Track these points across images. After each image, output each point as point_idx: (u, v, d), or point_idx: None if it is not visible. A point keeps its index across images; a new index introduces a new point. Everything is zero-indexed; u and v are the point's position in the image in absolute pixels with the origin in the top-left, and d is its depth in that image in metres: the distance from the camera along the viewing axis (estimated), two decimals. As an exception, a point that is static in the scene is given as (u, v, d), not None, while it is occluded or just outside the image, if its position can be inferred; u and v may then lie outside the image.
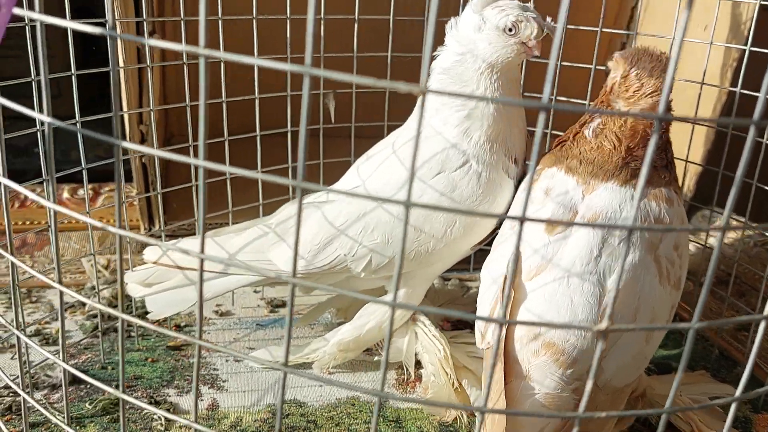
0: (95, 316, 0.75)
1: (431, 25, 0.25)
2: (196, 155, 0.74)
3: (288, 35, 0.73)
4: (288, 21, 0.73)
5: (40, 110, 0.37)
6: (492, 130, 0.62)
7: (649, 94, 0.55)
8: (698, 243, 0.80)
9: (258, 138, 0.75)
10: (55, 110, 0.61)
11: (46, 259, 0.86)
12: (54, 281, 0.38)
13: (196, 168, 0.73)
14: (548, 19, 0.61)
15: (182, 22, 0.67)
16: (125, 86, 0.73)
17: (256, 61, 0.28)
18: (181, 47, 0.28)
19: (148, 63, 0.66)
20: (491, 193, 0.62)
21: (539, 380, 0.52)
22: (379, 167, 0.66)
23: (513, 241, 0.56)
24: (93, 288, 0.80)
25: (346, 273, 0.66)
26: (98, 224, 0.34)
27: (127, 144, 0.30)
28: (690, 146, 0.76)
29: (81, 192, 0.96)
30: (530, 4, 0.63)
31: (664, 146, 0.57)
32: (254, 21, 0.72)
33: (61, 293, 0.39)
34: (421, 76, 0.27)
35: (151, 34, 0.73)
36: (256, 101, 0.74)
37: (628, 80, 0.56)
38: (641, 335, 0.53)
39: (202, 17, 0.27)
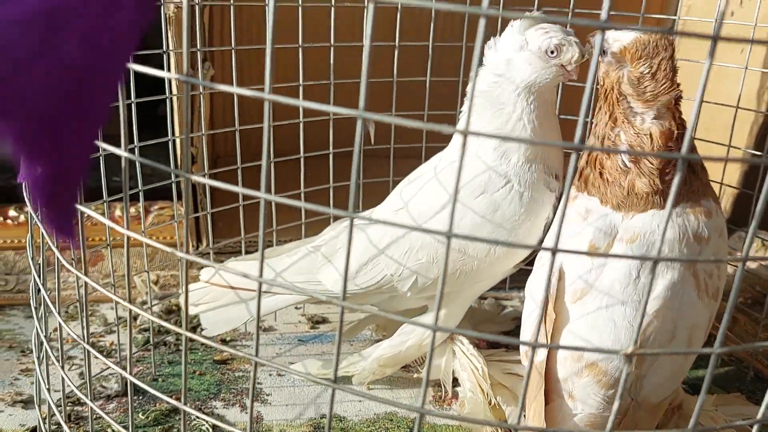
0: (146, 330, 0.79)
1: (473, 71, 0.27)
2: (243, 178, 0.77)
3: (332, 61, 0.77)
4: (332, 49, 0.76)
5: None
6: (530, 152, 0.63)
7: (667, 90, 0.54)
8: (733, 264, 0.81)
9: (302, 161, 0.78)
10: (108, 130, 0.66)
11: (99, 274, 0.90)
12: (123, 299, 0.41)
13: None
14: (588, 44, 0.62)
15: (232, 51, 0.71)
16: (177, 111, 0.77)
17: (309, 104, 0.31)
18: (247, 92, 0.31)
19: (200, 90, 0.69)
20: (533, 212, 0.63)
21: (582, 400, 0.54)
22: (421, 191, 0.68)
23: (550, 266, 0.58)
24: (144, 303, 0.83)
25: (392, 292, 0.68)
26: (168, 249, 0.37)
27: (192, 176, 0.33)
28: (725, 169, 0.77)
29: (133, 210, 1.01)
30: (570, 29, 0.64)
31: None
32: (300, 49, 0.75)
33: (130, 311, 0.42)
34: (461, 121, 0.29)
35: (203, 62, 0.77)
36: (301, 125, 0.77)
37: (642, 81, 0.54)
38: (681, 349, 0.54)
39: (268, 66, 0.30)
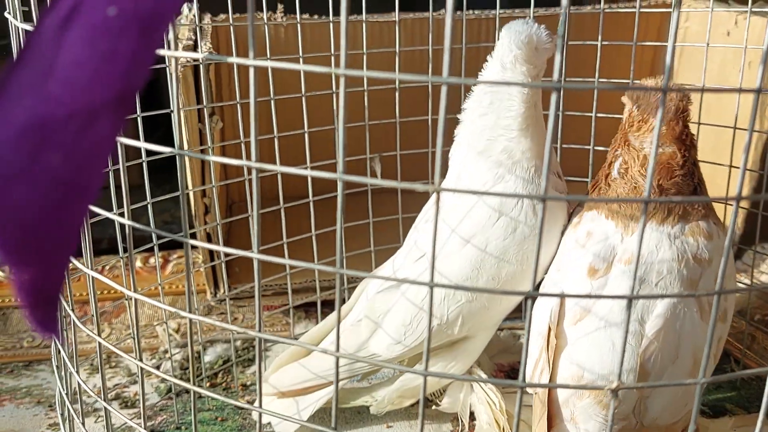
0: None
1: (440, 121, 0.29)
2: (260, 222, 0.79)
3: (335, 107, 0.79)
4: (334, 96, 0.79)
5: (119, 207, 0.42)
6: (535, 148, 0.64)
7: (653, 127, 0.57)
8: (744, 282, 0.81)
9: (311, 204, 0.80)
10: (135, 181, 0.69)
11: (123, 325, 0.92)
12: (134, 357, 0.43)
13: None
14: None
15: (238, 105, 0.74)
16: (189, 164, 0.80)
17: (309, 173, 0.33)
18: (240, 162, 0.33)
19: (210, 156, 0.72)
20: (547, 223, 0.64)
21: (584, 423, 0.54)
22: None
23: (554, 290, 0.59)
24: (166, 351, 0.85)
25: (444, 339, 0.68)
26: (171, 309, 0.39)
27: (194, 242, 0.35)
28: (728, 189, 0.77)
29: (152, 261, 1.03)
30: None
31: (690, 174, 0.58)
32: (303, 98, 0.78)
33: (141, 369, 0.44)
34: (435, 176, 0.31)
35: (210, 116, 0.80)
36: (308, 175, 0.80)
37: (632, 116, 0.59)
38: (686, 371, 0.54)
39: (253, 136, 0.32)
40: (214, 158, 0.34)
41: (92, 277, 0.47)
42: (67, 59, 0.21)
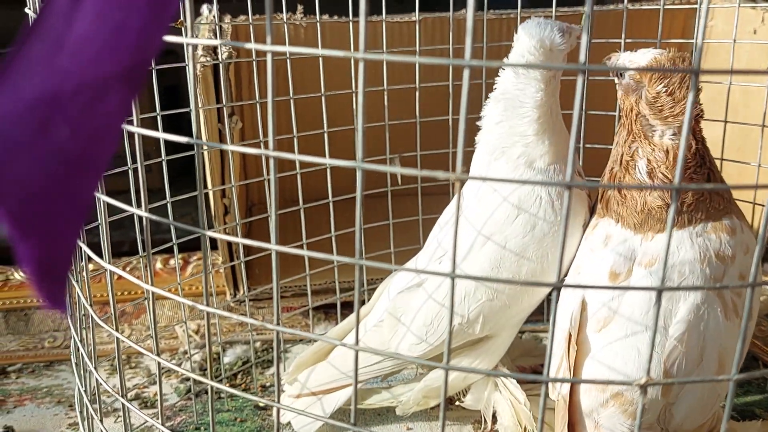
0: (188, 379, 0.80)
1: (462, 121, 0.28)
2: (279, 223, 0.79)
3: (354, 107, 0.79)
4: (354, 95, 0.78)
5: (138, 204, 0.42)
6: (552, 151, 0.63)
7: (683, 111, 0.53)
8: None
9: (330, 204, 0.80)
10: (147, 183, 0.68)
11: (143, 326, 0.92)
12: (152, 353, 0.43)
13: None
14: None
15: (257, 104, 0.73)
16: (209, 164, 0.80)
17: (327, 161, 0.32)
18: (258, 151, 0.32)
19: (228, 145, 0.72)
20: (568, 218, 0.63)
21: (609, 431, 0.53)
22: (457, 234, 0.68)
23: (576, 296, 0.58)
24: (185, 352, 0.85)
25: (466, 338, 0.68)
26: (189, 302, 0.38)
27: (212, 233, 0.35)
28: (756, 190, 0.75)
29: (172, 262, 1.04)
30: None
31: (701, 163, 0.56)
32: (323, 98, 0.77)
33: (159, 364, 0.43)
34: (457, 163, 0.30)
35: (230, 117, 0.80)
36: (328, 170, 0.79)
37: (659, 99, 0.54)
38: (709, 374, 0.53)
39: (270, 123, 0.31)
40: (231, 147, 0.34)
41: (110, 272, 0.47)
42: (77, 32, 0.20)
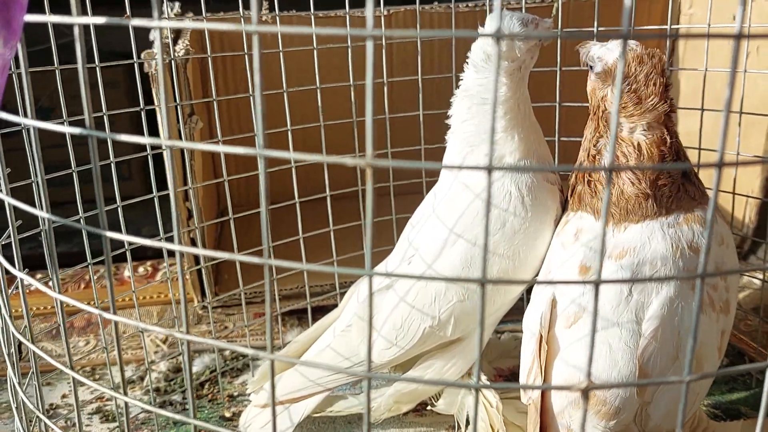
0: (156, 389, 0.77)
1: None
2: (251, 224, 0.76)
3: (320, 104, 0.76)
4: (319, 91, 0.76)
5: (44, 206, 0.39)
6: (523, 146, 0.61)
7: (652, 106, 0.52)
8: (758, 279, 0.76)
9: (297, 205, 0.77)
10: (125, 191, 0.66)
11: (109, 337, 0.89)
12: (67, 367, 0.39)
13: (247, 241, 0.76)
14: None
15: (214, 102, 0.70)
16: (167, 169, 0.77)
17: (302, 156, 0.28)
18: (240, 150, 0.29)
19: (220, 146, 0.69)
20: (537, 213, 0.61)
21: (581, 435, 0.50)
22: (428, 233, 0.66)
23: (546, 294, 0.55)
24: (152, 362, 0.82)
25: (437, 341, 0.65)
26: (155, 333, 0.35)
27: (172, 246, 0.31)
28: (735, 178, 0.73)
29: (141, 269, 1.01)
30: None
31: (677, 157, 0.54)
32: (285, 94, 0.74)
33: (74, 378, 0.40)
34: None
35: (190, 116, 0.77)
36: (292, 170, 0.76)
37: (624, 96, 0.52)
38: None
39: (259, 120, 0.28)
40: (223, 148, 0.29)
41: (22, 281, 0.43)
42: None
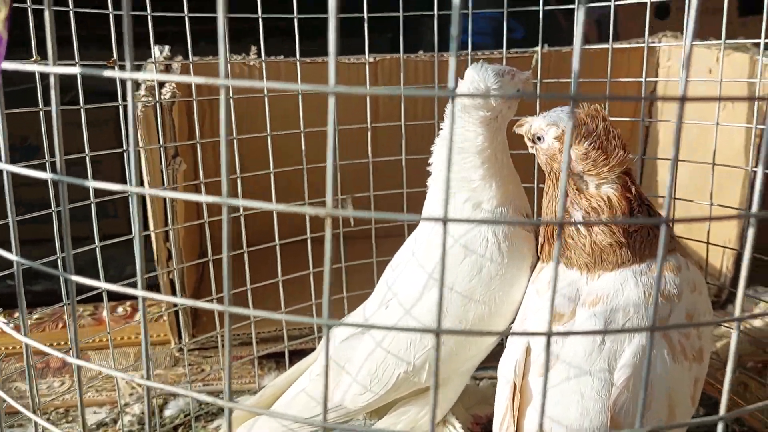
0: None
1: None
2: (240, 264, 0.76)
3: (303, 148, 0.77)
4: (302, 135, 0.76)
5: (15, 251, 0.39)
6: (500, 194, 0.62)
7: (619, 159, 0.53)
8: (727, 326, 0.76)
9: (278, 247, 0.77)
10: (111, 229, 0.66)
11: (84, 377, 0.88)
12: (29, 410, 0.39)
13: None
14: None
15: (198, 145, 0.71)
16: (151, 206, 0.77)
17: (275, 207, 0.29)
18: (207, 198, 0.29)
19: (167, 184, 0.69)
20: (514, 260, 0.61)
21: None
22: (406, 277, 0.66)
23: (521, 342, 0.55)
24: (126, 404, 0.81)
25: (412, 387, 0.64)
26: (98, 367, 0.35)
27: (147, 294, 0.31)
28: (709, 229, 0.73)
29: (120, 310, 1.00)
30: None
31: (647, 210, 0.55)
32: (269, 137, 0.75)
33: (35, 423, 0.39)
34: (327, 197, 0.28)
35: (174, 158, 0.77)
36: (274, 214, 0.77)
37: (589, 155, 0.54)
38: (661, 419, 0.50)
39: (223, 168, 0.28)
40: (171, 194, 0.31)
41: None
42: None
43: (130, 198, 0.30)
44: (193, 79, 0.27)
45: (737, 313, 0.28)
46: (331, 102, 0.26)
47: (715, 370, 0.80)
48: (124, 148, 0.67)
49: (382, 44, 1.00)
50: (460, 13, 0.24)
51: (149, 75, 0.25)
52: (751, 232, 0.26)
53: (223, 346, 0.80)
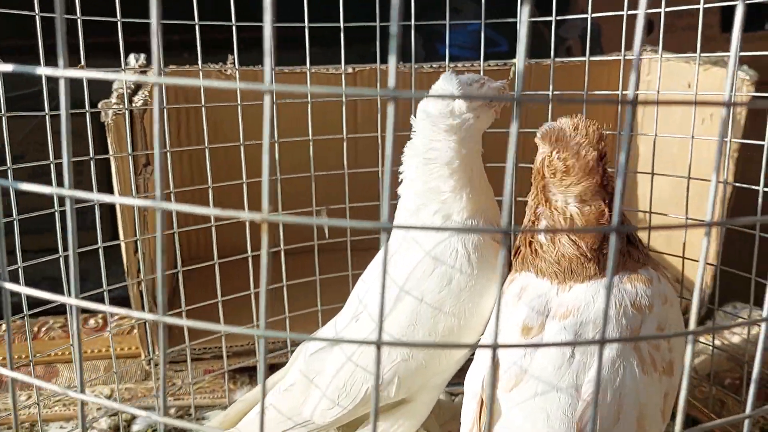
0: (91, 448, 0.74)
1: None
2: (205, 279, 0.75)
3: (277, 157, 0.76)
4: (277, 145, 0.76)
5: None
6: (471, 205, 0.61)
7: (580, 179, 0.52)
8: (706, 343, 0.75)
9: (250, 259, 0.76)
10: (89, 240, 0.65)
11: (45, 392, 0.86)
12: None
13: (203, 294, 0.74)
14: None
15: (168, 153, 0.70)
16: (120, 216, 0.76)
17: (211, 211, 0.28)
18: (145, 203, 0.28)
19: (138, 193, 0.68)
20: (484, 271, 0.61)
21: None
22: (376, 291, 0.65)
23: (489, 355, 0.54)
24: (94, 419, 0.79)
25: (381, 401, 0.63)
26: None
27: (81, 302, 0.30)
28: (685, 244, 0.73)
29: (92, 322, 0.98)
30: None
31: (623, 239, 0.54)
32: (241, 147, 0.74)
33: None
34: (263, 203, 0.27)
35: (145, 166, 0.76)
36: (247, 224, 0.76)
37: (552, 164, 0.53)
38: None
39: (157, 173, 0.28)
40: (122, 200, 0.29)
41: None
42: None
43: (66, 201, 0.29)
44: (239, 85, 0.26)
45: (692, 326, 0.27)
46: (267, 100, 0.25)
47: (693, 388, 0.79)
48: (91, 155, 0.66)
49: (364, 55, 0.99)
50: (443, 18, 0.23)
51: (174, 79, 0.24)
52: (704, 242, 0.25)
53: (192, 359, 0.79)
